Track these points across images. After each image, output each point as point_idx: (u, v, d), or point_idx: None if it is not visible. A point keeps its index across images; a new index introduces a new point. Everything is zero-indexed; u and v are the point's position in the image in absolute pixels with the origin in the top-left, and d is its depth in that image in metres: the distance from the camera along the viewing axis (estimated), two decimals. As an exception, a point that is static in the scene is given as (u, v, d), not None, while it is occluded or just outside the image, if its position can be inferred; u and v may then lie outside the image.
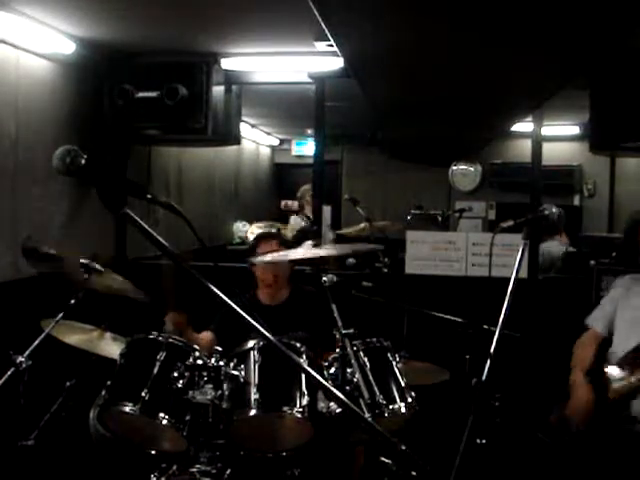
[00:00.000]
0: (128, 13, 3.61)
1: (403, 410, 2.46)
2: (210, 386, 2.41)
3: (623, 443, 2.67)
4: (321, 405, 2.42)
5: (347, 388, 2.44)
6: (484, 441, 2.67)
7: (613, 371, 2.77)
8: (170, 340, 2.46)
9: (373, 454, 2.74)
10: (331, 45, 3.63)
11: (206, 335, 3.21)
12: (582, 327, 3.23)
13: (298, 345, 2.51)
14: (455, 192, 8.84)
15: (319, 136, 4.88)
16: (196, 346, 2.53)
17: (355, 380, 2.43)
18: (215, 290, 1.38)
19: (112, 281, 3.06)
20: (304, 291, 3.38)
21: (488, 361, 2.26)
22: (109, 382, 2.41)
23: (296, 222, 6.88)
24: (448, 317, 3.41)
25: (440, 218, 6.40)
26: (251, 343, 2.47)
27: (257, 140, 9.26)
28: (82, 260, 2.97)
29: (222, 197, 7.81)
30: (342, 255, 4.89)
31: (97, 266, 2.97)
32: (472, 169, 8.79)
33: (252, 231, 7.34)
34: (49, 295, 3.15)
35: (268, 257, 3.00)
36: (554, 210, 2.59)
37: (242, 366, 2.43)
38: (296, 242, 3.44)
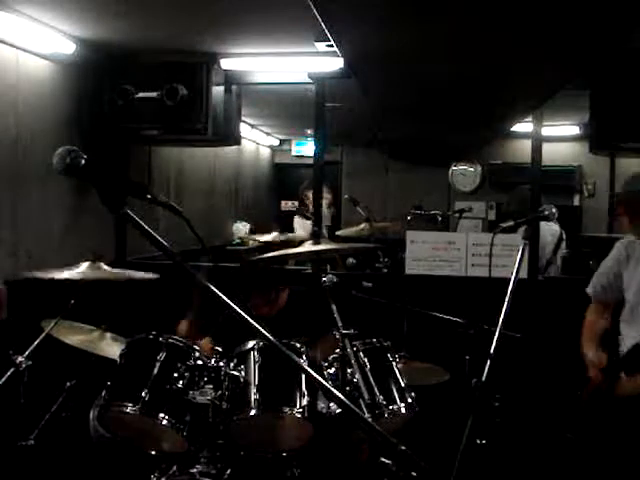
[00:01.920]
0: (128, 13, 3.61)
1: (403, 410, 2.46)
2: (210, 386, 2.41)
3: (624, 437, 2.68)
4: (321, 405, 2.42)
5: (347, 388, 2.44)
6: (484, 441, 2.67)
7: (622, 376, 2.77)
8: (170, 340, 2.46)
9: (373, 454, 2.73)
10: (331, 45, 3.63)
11: (205, 343, 3.18)
12: (580, 328, 3.22)
13: (298, 345, 2.51)
14: (455, 192, 8.84)
15: (319, 136, 4.88)
16: (196, 346, 2.53)
17: (355, 380, 2.43)
18: (215, 290, 1.38)
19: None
20: (300, 292, 3.36)
21: (488, 361, 2.26)
22: (109, 382, 2.40)
23: (301, 225, 6.78)
24: (448, 317, 3.41)
25: (440, 218, 6.39)
26: (251, 343, 2.47)
27: (257, 140, 9.26)
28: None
29: (222, 197, 7.81)
30: (341, 252, 4.89)
31: (102, 265, 2.96)
32: (472, 169, 8.79)
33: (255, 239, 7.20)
34: (49, 295, 3.14)
35: (269, 255, 3.00)
36: (554, 211, 2.60)
37: (242, 366, 2.42)
38: None
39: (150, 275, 2.99)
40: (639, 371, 2.67)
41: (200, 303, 3.00)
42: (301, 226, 6.76)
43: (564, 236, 5.65)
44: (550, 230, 5.49)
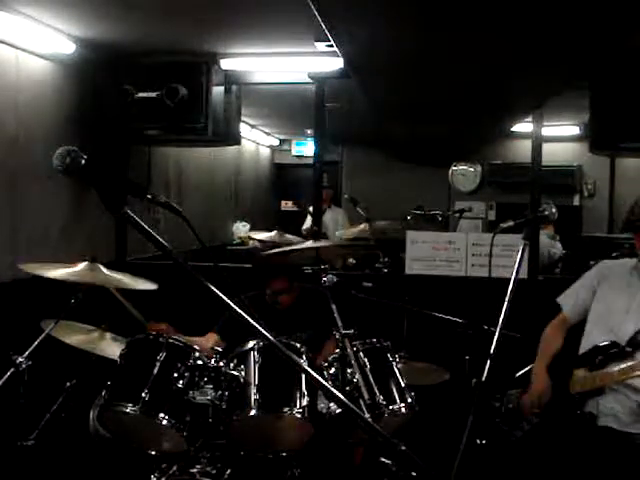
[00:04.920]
0: (128, 13, 3.61)
1: (403, 410, 2.46)
2: (210, 386, 2.41)
3: (587, 440, 2.68)
4: (321, 405, 2.42)
5: (347, 388, 2.44)
6: (484, 441, 2.67)
7: (578, 372, 2.78)
8: (170, 340, 2.46)
9: (373, 454, 2.73)
10: (331, 45, 3.63)
11: (210, 337, 3.20)
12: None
13: (298, 345, 2.51)
14: (455, 192, 8.84)
15: (319, 136, 4.88)
16: (196, 346, 2.53)
17: (355, 380, 2.43)
18: (215, 291, 1.38)
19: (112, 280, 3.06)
20: (310, 290, 3.36)
21: (488, 361, 2.26)
22: (109, 382, 2.40)
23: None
24: (448, 317, 3.41)
25: (440, 218, 6.39)
26: (251, 343, 2.47)
27: (257, 140, 9.26)
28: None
29: (222, 197, 7.81)
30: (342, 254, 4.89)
31: (101, 266, 2.96)
32: (472, 169, 8.79)
33: (252, 237, 7.18)
34: (49, 295, 3.14)
35: (270, 255, 3.00)
36: (554, 210, 2.60)
37: (242, 367, 2.42)
38: None
39: (150, 285, 3.00)
40: (601, 367, 2.69)
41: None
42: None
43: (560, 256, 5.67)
44: (551, 248, 5.51)
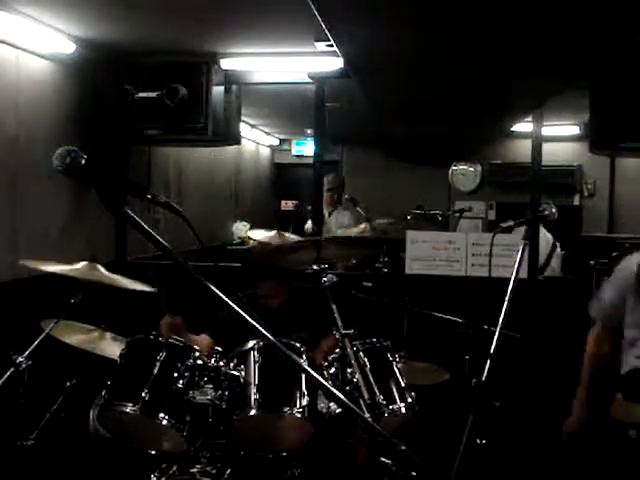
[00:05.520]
0: (128, 13, 3.61)
1: (403, 410, 2.46)
2: (210, 386, 2.41)
3: (616, 450, 2.64)
4: (321, 405, 2.42)
5: (347, 388, 2.44)
6: (484, 441, 2.67)
7: (618, 396, 2.67)
8: (170, 340, 2.46)
9: (373, 454, 2.73)
10: (331, 45, 3.63)
11: (203, 338, 3.19)
12: (581, 328, 3.22)
13: (298, 345, 2.51)
14: (455, 192, 8.84)
15: (319, 136, 4.88)
16: (196, 346, 2.53)
17: (355, 380, 2.43)
18: (215, 290, 1.38)
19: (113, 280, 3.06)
20: (303, 290, 3.36)
21: (488, 361, 2.26)
22: (109, 382, 2.40)
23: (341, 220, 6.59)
24: (448, 317, 3.41)
25: (440, 218, 6.40)
26: (251, 343, 2.47)
27: (257, 140, 9.26)
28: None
29: (222, 197, 7.81)
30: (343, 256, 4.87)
31: (99, 266, 2.96)
32: (472, 169, 8.79)
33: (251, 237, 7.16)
34: (49, 295, 3.14)
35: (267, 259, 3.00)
36: (553, 210, 2.60)
37: (242, 366, 2.42)
38: None
39: (145, 287, 3.00)
40: (635, 399, 2.59)
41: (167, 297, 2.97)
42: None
43: (557, 245, 5.67)
44: (544, 238, 5.51)
